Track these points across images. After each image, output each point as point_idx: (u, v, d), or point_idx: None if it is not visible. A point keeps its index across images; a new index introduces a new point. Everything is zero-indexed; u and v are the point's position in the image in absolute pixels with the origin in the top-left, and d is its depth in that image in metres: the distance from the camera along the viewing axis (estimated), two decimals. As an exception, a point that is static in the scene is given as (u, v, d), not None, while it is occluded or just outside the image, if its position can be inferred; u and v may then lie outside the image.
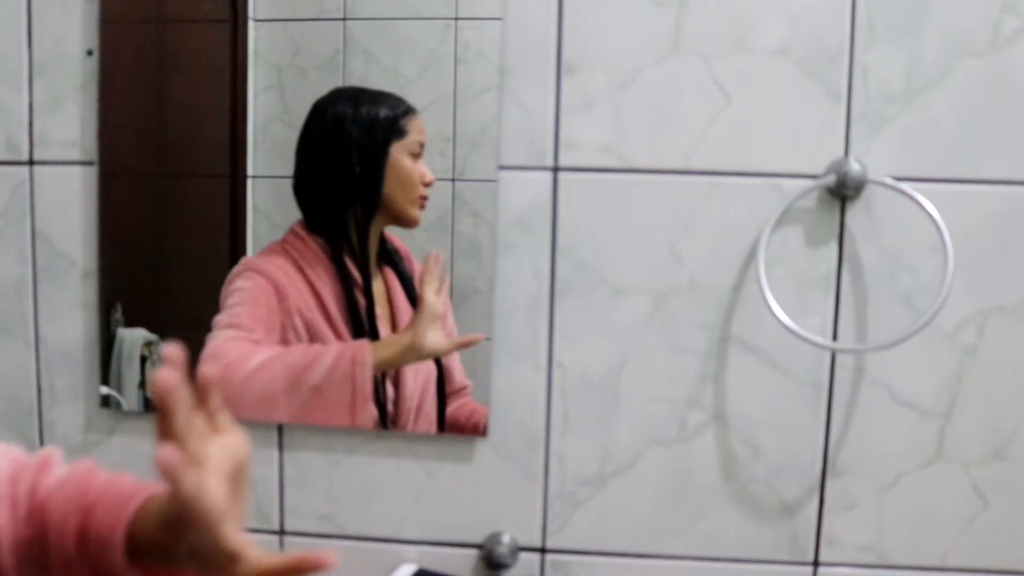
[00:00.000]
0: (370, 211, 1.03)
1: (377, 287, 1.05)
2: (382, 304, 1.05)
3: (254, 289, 1.01)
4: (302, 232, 1.04)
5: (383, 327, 1.04)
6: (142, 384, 1.08)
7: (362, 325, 1.02)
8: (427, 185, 1.02)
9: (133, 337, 1.07)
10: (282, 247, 1.04)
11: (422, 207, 1.02)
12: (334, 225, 1.03)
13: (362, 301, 1.03)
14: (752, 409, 1.00)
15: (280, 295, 1.01)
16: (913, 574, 1.00)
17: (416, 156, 1.02)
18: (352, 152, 1.01)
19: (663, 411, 1.01)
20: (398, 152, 1.01)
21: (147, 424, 1.08)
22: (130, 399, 1.08)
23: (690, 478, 1.02)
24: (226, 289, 1.02)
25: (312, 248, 1.03)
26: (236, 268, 1.03)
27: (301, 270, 1.02)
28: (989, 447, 0.98)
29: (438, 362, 1.05)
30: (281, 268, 1.02)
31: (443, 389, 1.06)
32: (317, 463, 1.06)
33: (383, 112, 1.01)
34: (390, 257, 1.06)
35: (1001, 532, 0.99)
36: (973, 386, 0.97)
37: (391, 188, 1.02)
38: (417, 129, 1.02)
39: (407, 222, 1.04)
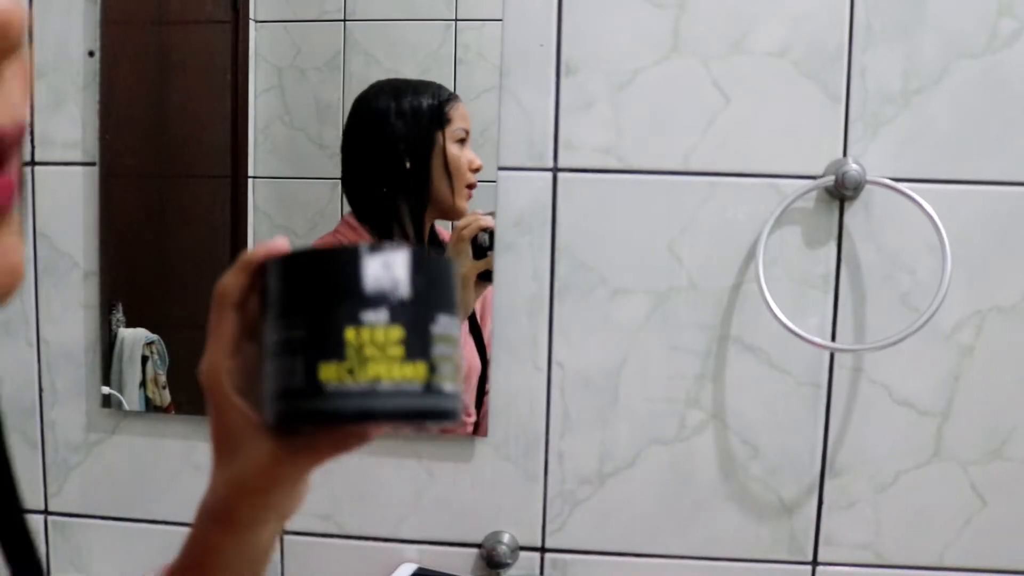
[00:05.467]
0: (422, 204, 1.02)
1: None
2: None
3: None
4: (354, 222, 1.03)
5: None
6: (143, 384, 1.08)
7: None
8: (475, 171, 1.01)
9: (134, 337, 1.07)
10: (335, 239, 1.03)
11: (469, 196, 1.01)
12: (386, 221, 1.02)
13: None
14: (751, 409, 1.01)
15: None
16: (911, 573, 1.01)
17: (462, 142, 1.01)
18: (399, 145, 1.01)
19: (662, 411, 1.02)
20: (444, 141, 1.00)
21: (148, 424, 1.09)
22: (131, 399, 1.08)
23: (689, 477, 1.02)
24: None
25: (366, 238, 1.02)
26: None
27: None
28: (987, 446, 0.99)
29: (483, 356, 1.04)
30: None
31: (484, 383, 1.04)
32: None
33: (426, 101, 1.00)
34: (440, 248, 1.05)
35: (999, 531, 0.99)
36: (971, 386, 0.98)
37: (439, 180, 1.01)
38: (461, 116, 1.01)
39: (455, 214, 1.02)
